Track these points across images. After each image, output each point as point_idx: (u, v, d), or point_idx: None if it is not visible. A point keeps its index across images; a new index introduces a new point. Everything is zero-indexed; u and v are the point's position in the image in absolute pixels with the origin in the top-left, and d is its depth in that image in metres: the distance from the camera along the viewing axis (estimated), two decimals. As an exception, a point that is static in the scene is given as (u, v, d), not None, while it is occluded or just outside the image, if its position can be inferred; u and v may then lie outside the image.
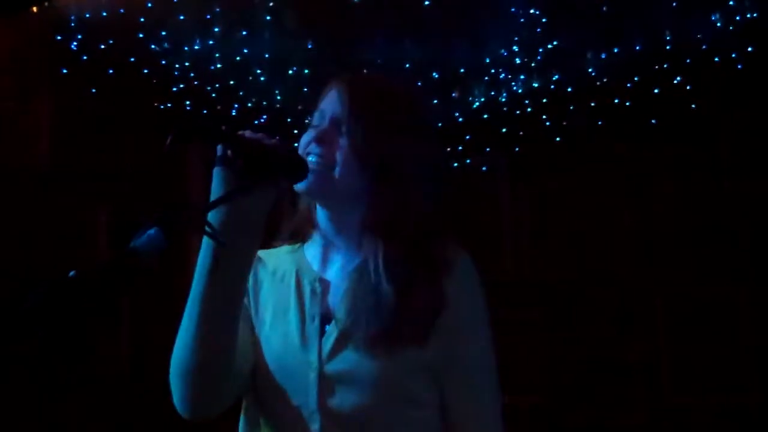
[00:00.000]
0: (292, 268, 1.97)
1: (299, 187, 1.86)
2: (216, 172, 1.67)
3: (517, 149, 5.85)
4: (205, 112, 5.22)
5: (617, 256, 5.56)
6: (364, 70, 2.10)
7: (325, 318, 1.87)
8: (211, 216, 1.63)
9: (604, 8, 4.59)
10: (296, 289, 1.93)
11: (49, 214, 4.89)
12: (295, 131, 4.28)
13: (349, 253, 1.93)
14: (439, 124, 5.76)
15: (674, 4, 4.62)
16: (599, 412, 5.40)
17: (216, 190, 1.66)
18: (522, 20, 4.70)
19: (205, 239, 1.66)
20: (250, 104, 5.59)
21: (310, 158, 1.85)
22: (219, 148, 1.66)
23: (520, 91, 5.42)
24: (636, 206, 5.54)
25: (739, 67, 4.96)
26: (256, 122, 5.17)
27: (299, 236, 2.03)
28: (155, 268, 1.39)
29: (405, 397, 1.82)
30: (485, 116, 5.65)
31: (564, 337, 5.59)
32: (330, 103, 1.92)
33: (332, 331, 1.85)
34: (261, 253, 1.97)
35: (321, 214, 1.96)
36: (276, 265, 1.99)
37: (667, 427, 5.23)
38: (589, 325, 5.57)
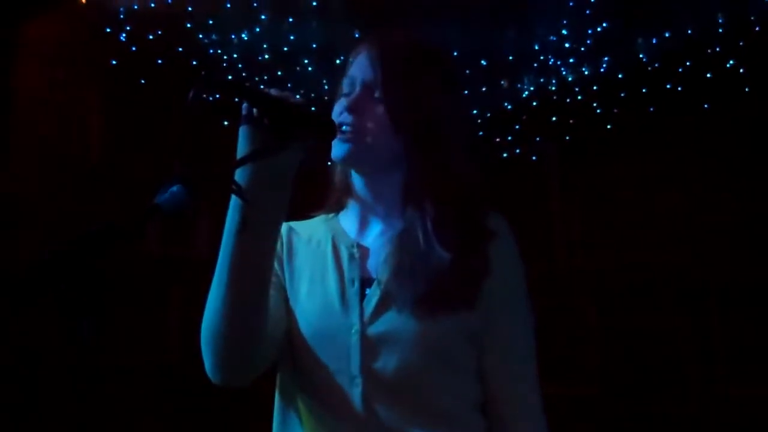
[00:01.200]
0: (328, 236, 1.96)
1: (335, 154, 1.85)
2: (242, 130, 1.65)
3: (567, 138, 5.80)
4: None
5: (670, 245, 5.48)
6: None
7: (365, 282, 1.86)
8: (238, 175, 1.63)
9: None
10: (333, 255, 1.91)
11: (98, 204, 4.91)
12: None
13: (388, 220, 1.92)
14: (488, 114, 5.73)
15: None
16: (653, 401, 5.33)
17: (242, 149, 1.64)
18: (570, 3, 4.65)
19: (233, 199, 1.65)
20: (298, 95, 5.59)
21: (343, 128, 1.83)
22: (245, 106, 1.64)
23: (570, 78, 5.37)
24: (689, 193, 5.45)
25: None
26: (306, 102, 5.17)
27: (336, 206, 2.02)
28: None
29: (447, 360, 1.80)
30: (534, 104, 5.60)
31: (616, 326, 5.53)
32: (360, 69, 1.90)
33: (374, 293, 1.83)
34: (293, 223, 1.98)
35: (358, 182, 1.96)
36: (310, 234, 1.98)
37: (721, 416, 5.14)
38: (641, 314, 5.50)
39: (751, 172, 5.27)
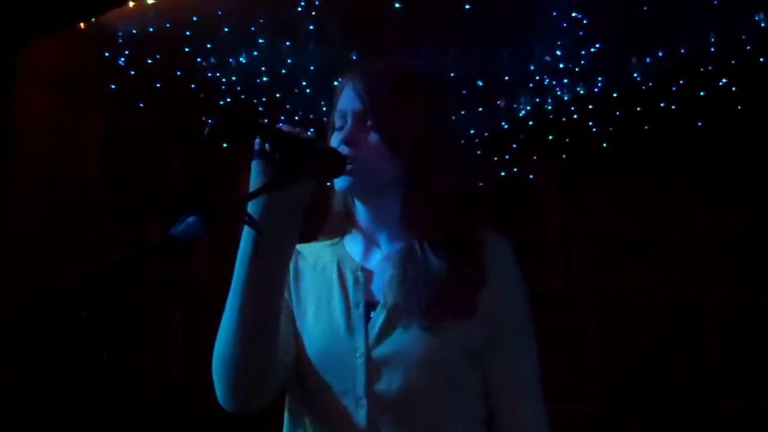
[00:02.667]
0: (333, 260, 2.00)
1: (339, 186, 1.90)
2: (254, 164, 1.70)
3: (564, 156, 5.84)
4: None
5: (667, 261, 5.53)
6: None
7: (369, 305, 1.89)
8: (250, 207, 1.68)
9: (645, 8, 4.56)
10: (338, 279, 1.95)
11: (98, 229, 4.92)
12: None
13: (391, 243, 1.96)
14: (486, 134, 5.77)
15: (717, 4, 4.56)
16: (651, 417, 5.36)
17: (255, 182, 1.69)
18: (564, 24, 4.70)
19: (246, 230, 1.70)
20: (297, 117, 5.64)
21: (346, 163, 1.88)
22: (257, 141, 1.69)
23: (565, 97, 5.42)
24: (684, 211, 5.50)
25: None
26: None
27: (340, 230, 2.06)
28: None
29: (451, 380, 1.84)
30: (531, 124, 5.65)
31: (615, 343, 5.56)
32: (348, 101, 1.94)
33: (378, 315, 1.87)
34: (299, 247, 2.01)
35: (361, 210, 2.00)
36: (316, 258, 2.02)
37: (719, 430, 5.18)
38: (639, 330, 5.53)
39: (745, 189, 5.33)
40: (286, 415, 1.97)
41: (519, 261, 1.95)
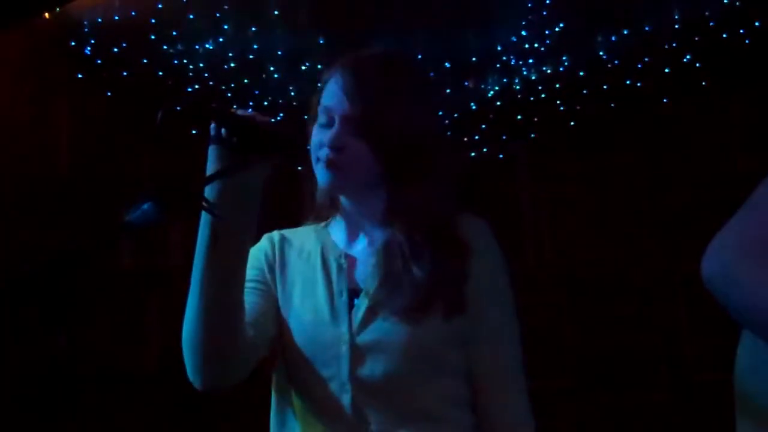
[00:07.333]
0: (317, 246, 2.02)
1: (321, 181, 1.92)
2: (211, 149, 1.71)
3: (533, 136, 5.85)
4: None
5: (636, 237, 5.57)
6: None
7: (353, 292, 1.93)
8: (207, 191, 1.69)
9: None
10: (322, 266, 1.98)
11: (68, 219, 4.90)
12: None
13: (374, 232, 1.98)
14: (455, 115, 5.78)
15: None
16: (624, 391, 5.41)
17: (211, 167, 1.70)
18: (528, 4, 4.72)
19: (203, 216, 1.71)
20: (265, 102, 5.63)
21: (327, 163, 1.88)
22: (212, 126, 1.70)
23: (533, 77, 5.43)
24: (653, 187, 5.53)
25: (747, 42, 4.98)
26: (272, 120, 5.19)
27: (323, 218, 2.09)
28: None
29: (433, 364, 1.88)
30: (499, 104, 5.65)
31: (587, 319, 5.59)
32: (335, 100, 1.91)
33: (361, 303, 1.90)
34: (286, 232, 2.06)
35: (345, 201, 2.02)
36: (301, 244, 2.04)
37: (689, 404, 5.23)
38: (611, 306, 5.56)
39: (713, 164, 5.37)
40: (273, 396, 2.01)
41: (498, 242, 1.97)
